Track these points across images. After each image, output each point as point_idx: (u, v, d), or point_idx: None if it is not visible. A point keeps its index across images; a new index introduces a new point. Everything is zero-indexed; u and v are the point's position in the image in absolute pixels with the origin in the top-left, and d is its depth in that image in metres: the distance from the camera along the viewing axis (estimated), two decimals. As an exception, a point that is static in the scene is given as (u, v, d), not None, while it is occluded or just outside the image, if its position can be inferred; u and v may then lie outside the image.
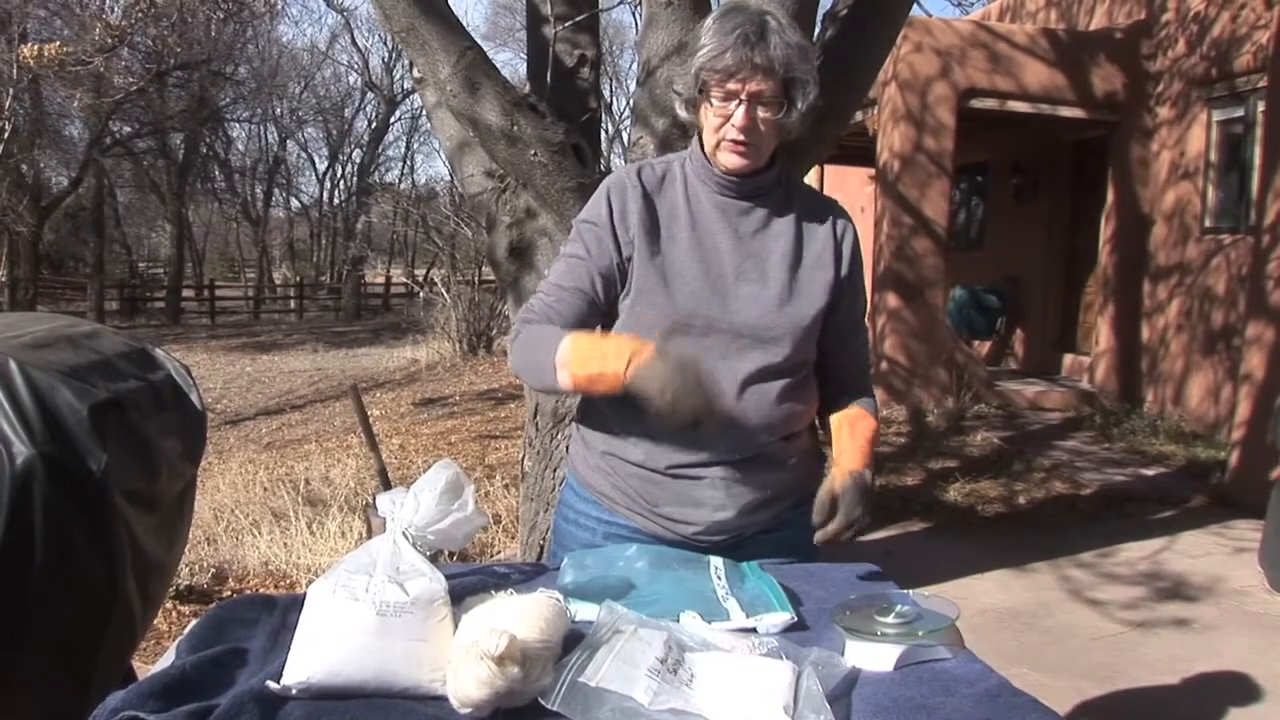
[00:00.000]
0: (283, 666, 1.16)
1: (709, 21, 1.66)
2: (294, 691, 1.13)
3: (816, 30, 3.57)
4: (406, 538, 1.26)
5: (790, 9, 3.17)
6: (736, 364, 1.69)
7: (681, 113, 1.75)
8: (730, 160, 1.69)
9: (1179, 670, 3.89)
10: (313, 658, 1.15)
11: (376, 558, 1.22)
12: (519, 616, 1.17)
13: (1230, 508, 6.08)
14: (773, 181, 1.77)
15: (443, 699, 1.14)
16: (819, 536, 1.67)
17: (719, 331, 1.69)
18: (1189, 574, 5.00)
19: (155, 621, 3.04)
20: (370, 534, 1.61)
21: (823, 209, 1.81)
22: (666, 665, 1.20)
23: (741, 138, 1.65)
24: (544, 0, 4.01)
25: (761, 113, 1.63)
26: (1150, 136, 8.95)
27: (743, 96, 1.62)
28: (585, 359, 1.56)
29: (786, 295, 1.72)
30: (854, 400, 1.83)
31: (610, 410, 1.75)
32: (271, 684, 1.14)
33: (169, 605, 4.13)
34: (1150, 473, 7.05)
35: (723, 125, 1.66)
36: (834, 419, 1.81)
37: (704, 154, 1.74)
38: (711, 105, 1.66)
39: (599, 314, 1.75)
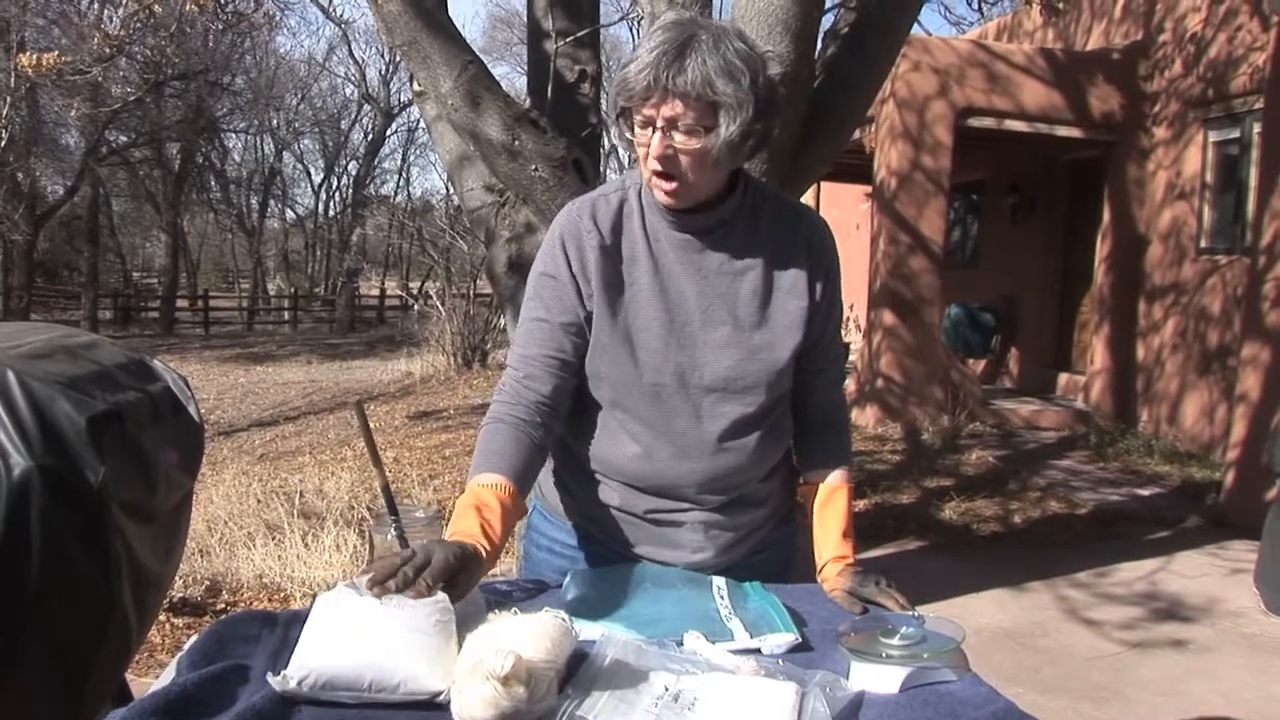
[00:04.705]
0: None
1: (645, 35, 1.53)
2: (293, 683, 1.14)
3: (818, 47, 3.57)
4: None
5: (792, 26, 3.19)
6: (709, 424, 1.62)
7: (617, 143, 1.68)
8: (659, 196, 1.55)
9: (1175, 691, 3.88)
10: (314, 650, 1.16)
11: None
12: (525, 636, 1.16)
13: (1226, 529, 6.08)
14: (734, 210, 1.62)
15: (445, 710, 1.14)
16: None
17: (691, 387, 1.61)
18: (1185, 595, 5.00)
19: (148, 634, 3.02)
20: (371, 549, 1.60)
21: (794, 227, 1.66)
22: (668, 694, 1.19)
23: (660, 168, 1.50)
24: (545, 15, 4.03)
25: (680, 141, 1.47)
26: (1146, 157, 8.99)
27: (658, 123, 1.47)
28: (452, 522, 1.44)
29: (758, 339, 1.62)
30: (827, 439, 1.75)
31: (584, 458, 1.71)
32: (271, 677, 1.15)
33: (162, 618, 4.10)
34: (1145, 493, 7.06)
35: (646, 155, 1.51)
36: (816, 502, 1.71)
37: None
38: (634, 133, 1.52)
39: (573, 373, 1.63)
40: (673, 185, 1.52)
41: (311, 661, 1.15)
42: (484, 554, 1.35)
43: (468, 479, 1.52)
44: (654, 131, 1.48)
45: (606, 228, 1.62)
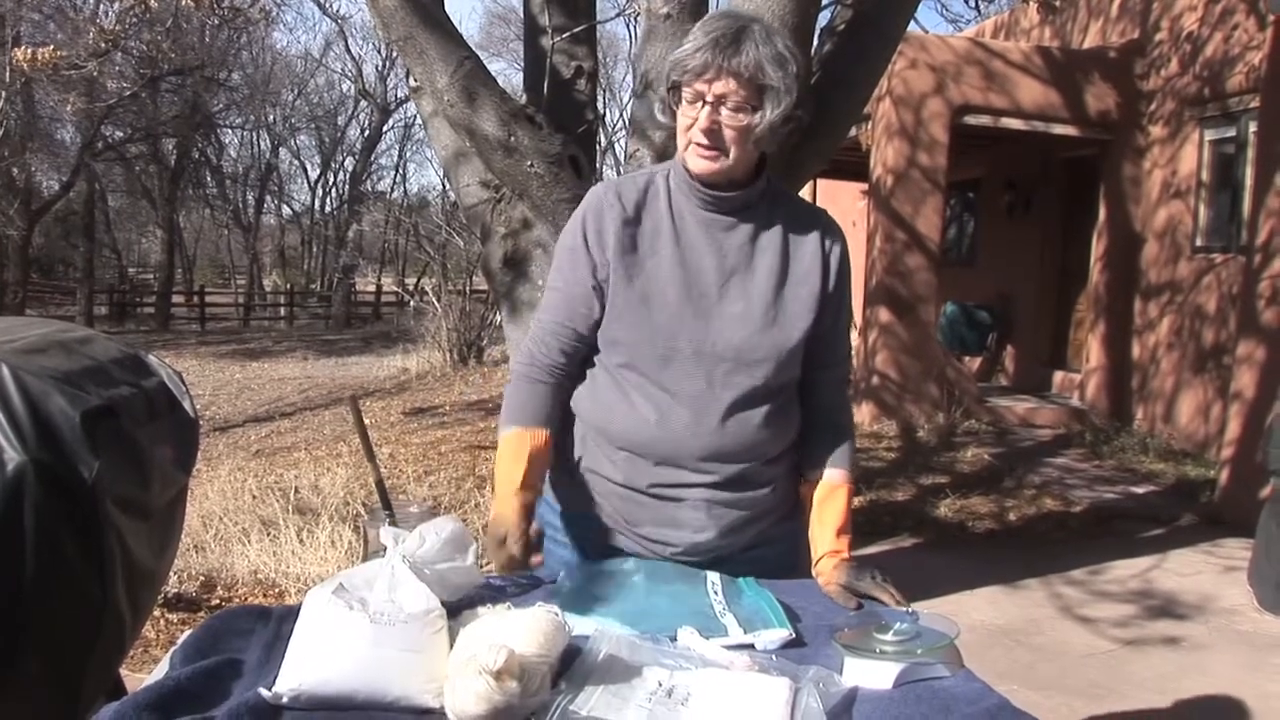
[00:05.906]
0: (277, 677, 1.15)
1: (697, 25, 1.65)
2: (285, 699, 1.12)
3: (814, 45, 3.57)
4: (405, 563, 1.24)
5: (789, 22, 3.19)
6: (720, 391, 1.68)
7: (659, 116, 1.74)
8: (696, 164, 1.66)
9: (1169, 689, 3.89)
10: (306, 666, 1.14)
11: (374, 577, 1.21)
12: (518, 631, 1.16)
13: (1220, 526, 6.09)
14: (758, 195, 1.73)
15: (435, 711, 1.13)
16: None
17: (704, 354, 1.67)
18: (1179, 592, 5.01)
19: (142, 630, 3.01)
20: (365, 544, 1.60)
21: (811, 222, 1.78)
22: (661, 689, 1.19)
23: (705, 140, 1.62)
24: (542, 11, 4.02)
25: (727, 117, 1.60)
26: (1142, 155, 8.99)
27: (709, 98, 1.59)
28: (497, 471, 1.75)
29: (771, 316, 1.69)
30: (830, 439, 1.80)
31: (591, 428, 1.76)
32: (264, 691, 1.13)
33: (156, 613, 4.10)
34: (1140, 491, 7.06)
35: (690, 127, 1.64)
36: (815, 498, 1.77)
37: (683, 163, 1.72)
38: (681, 106, 1.64)
39: (581, 340, 1.75)
40: (714, 153, 1.64)
41: (303, 676, 1.14)
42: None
43: (499, 430, 1.78)
44: (703, 106, 1.61)
45: (630, 202, 1.74)
